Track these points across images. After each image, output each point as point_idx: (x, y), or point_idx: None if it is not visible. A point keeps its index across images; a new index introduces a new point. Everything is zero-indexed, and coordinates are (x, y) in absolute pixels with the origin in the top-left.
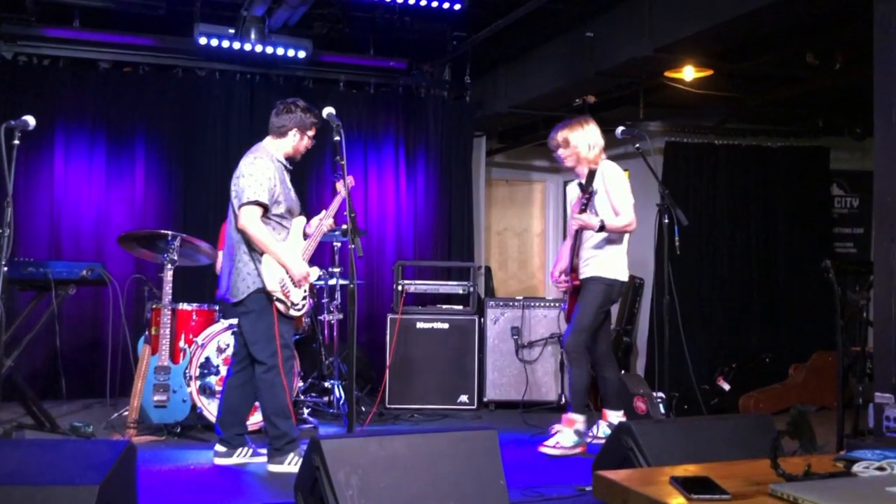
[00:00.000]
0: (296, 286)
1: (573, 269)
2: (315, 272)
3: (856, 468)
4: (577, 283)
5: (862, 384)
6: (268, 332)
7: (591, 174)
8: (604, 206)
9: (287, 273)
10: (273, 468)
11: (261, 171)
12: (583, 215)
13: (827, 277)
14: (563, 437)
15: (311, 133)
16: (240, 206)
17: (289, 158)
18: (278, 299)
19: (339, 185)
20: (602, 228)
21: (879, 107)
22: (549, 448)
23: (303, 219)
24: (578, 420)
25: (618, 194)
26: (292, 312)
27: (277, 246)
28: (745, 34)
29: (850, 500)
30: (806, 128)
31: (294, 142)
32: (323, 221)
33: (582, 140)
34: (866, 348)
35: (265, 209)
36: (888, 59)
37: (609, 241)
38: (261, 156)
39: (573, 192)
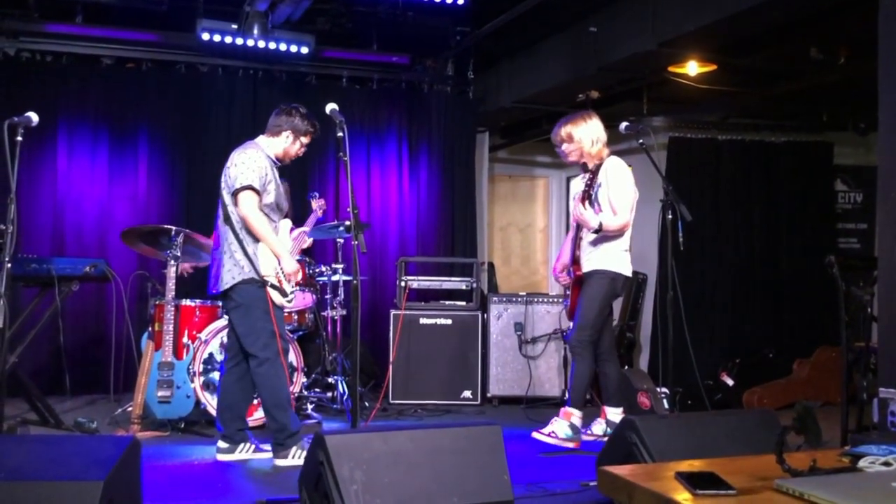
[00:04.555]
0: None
1: (575, 262)
2: (299, 275)
3: (861, 463)
4: (578, 275)
5: (866, 379)
6: (257, 324)
7: (597, 169)
8: (606, 201)
9: (278, 264)
10: (279, 462)
11: (252, 160)
12: (584, 211)
13: (831, 273)
14: (559, 428)
15: (304, 140)
16: (235, 193)
17: (278, 159)
18: (273, 286)
19: (315, 204)
20: (598, 230)
21: (884, 101)
22: (542, 435)
23: (289, 222)
24: (575, 414)
25: (617, 193)
26: (284, 303)
27: (274, 236)
28: (749, 28)
29: (855, 495)
30: (809, 123)
31: (286, 143)
32: (302, 236)
33: (586, 135)
34: (870, 344)
35: (259, 196)
36: (893, 53)
37: (609, 236)
38: (251, 148)
39: (577, 186)
